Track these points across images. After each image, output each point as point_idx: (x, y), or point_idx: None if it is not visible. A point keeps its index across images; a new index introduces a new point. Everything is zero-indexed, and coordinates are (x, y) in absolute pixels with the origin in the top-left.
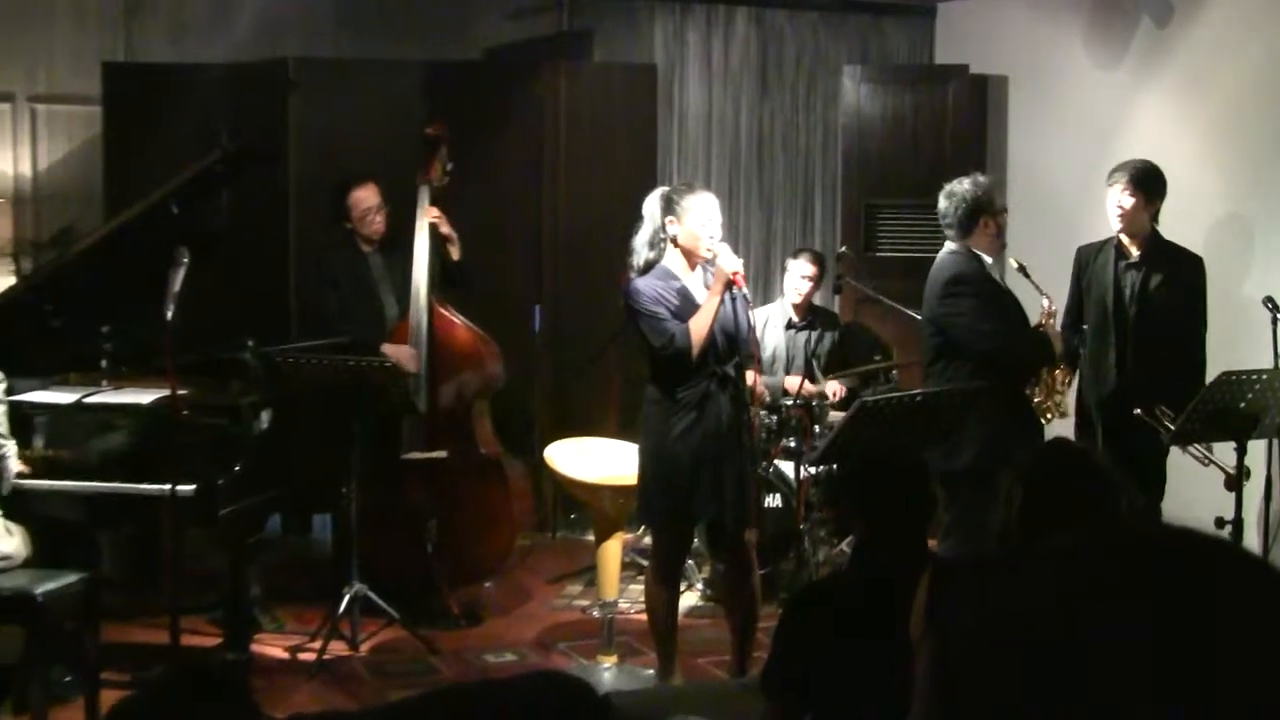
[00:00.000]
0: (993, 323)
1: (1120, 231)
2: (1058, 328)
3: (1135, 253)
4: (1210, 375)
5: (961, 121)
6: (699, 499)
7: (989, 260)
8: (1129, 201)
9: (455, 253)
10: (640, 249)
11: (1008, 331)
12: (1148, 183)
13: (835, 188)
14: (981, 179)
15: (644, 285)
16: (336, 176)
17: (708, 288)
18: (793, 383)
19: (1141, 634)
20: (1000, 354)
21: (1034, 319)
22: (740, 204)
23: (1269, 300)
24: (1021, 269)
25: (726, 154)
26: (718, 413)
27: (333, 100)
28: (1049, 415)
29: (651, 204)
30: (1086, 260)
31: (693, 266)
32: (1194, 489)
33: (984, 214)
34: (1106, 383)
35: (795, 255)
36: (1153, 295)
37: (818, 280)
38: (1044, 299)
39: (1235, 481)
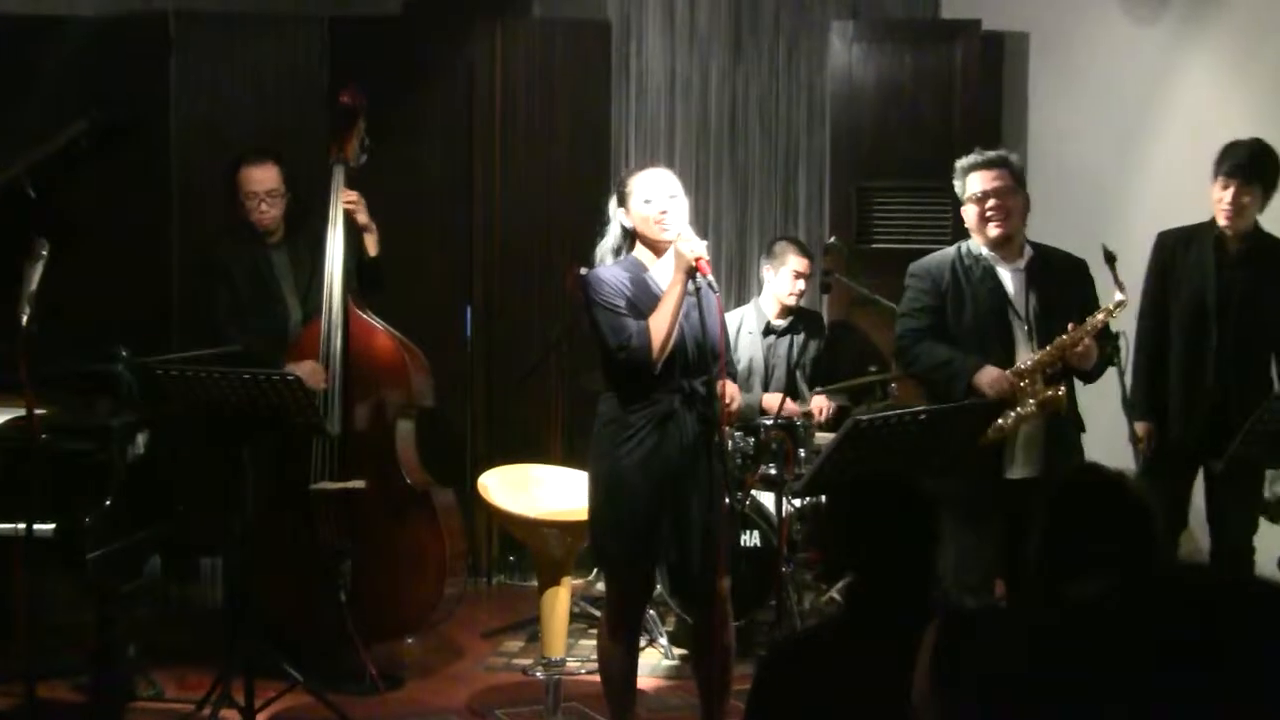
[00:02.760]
0: (911, 323)
1: (1226, 226)
2: (1113, 328)
3: (1236, 247)
4: None
5: (972, 88)
6: (661, 538)
7: (984, 251)
8: (1247, 198)
9: (372, 246)
10: (604, 258)
11: (920, 338)
12: (1268, 172)
13: (822, 168)
14: (961, 159)
15: (606, 274)
16: (230, 153)
17: None
18: (772, 399)
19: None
20: (898, 355)
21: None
22: (709, 188)
23: None
24: (1109, 258)
25: (693, 128)
26: (682, 434)
27: (221, 62)
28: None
29: (611, 203)
30: (1172, 250)
31: (659, 257)
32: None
33: (961, 201)
34: (1203, 393)
35: (773, 247)
36: (1259, 296)
37: (809, 277)
38: (1117, 293)
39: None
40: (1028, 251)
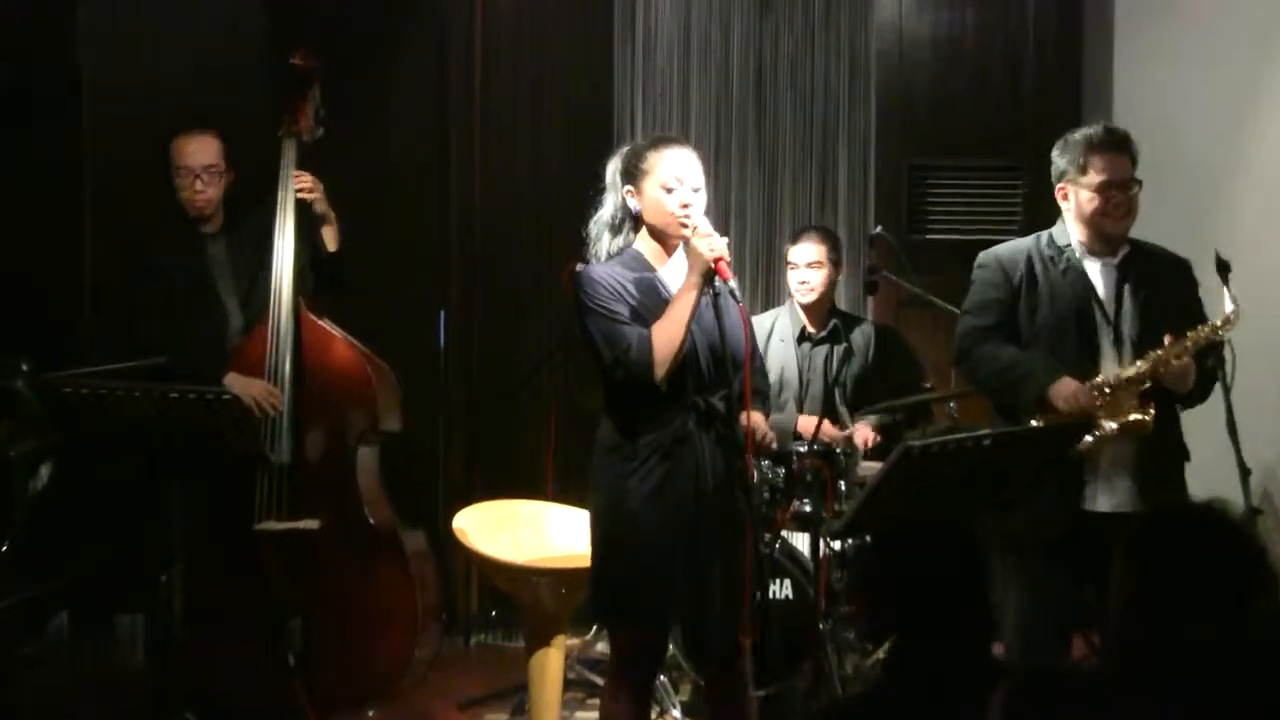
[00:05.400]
0: (974, 320)
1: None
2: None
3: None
4: None
5: (1048, 47)
6: (674, 587)
7: (1072, 239)
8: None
9: (331, 240)
10: (600, 234)
11: (983, 339)
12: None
13: (867, 142)
14: (1080, 132)
15: (602, 274)
16: (151, 124)
17: None
18: (808, 421)
19: None
20: (957, 360)
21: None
22: (731, 167)
23: None
24: (1222, 268)
25: (711, 96)
26: (698, 462)
27: (143, 19)
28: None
29: (611, 171)
30: None
31: (669, 252)
32: None
33: (1062, 179)
34: None
35: (795, 239)
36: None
37: (834, 265)
38: (1227, 303)
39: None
40: (1124, 247)
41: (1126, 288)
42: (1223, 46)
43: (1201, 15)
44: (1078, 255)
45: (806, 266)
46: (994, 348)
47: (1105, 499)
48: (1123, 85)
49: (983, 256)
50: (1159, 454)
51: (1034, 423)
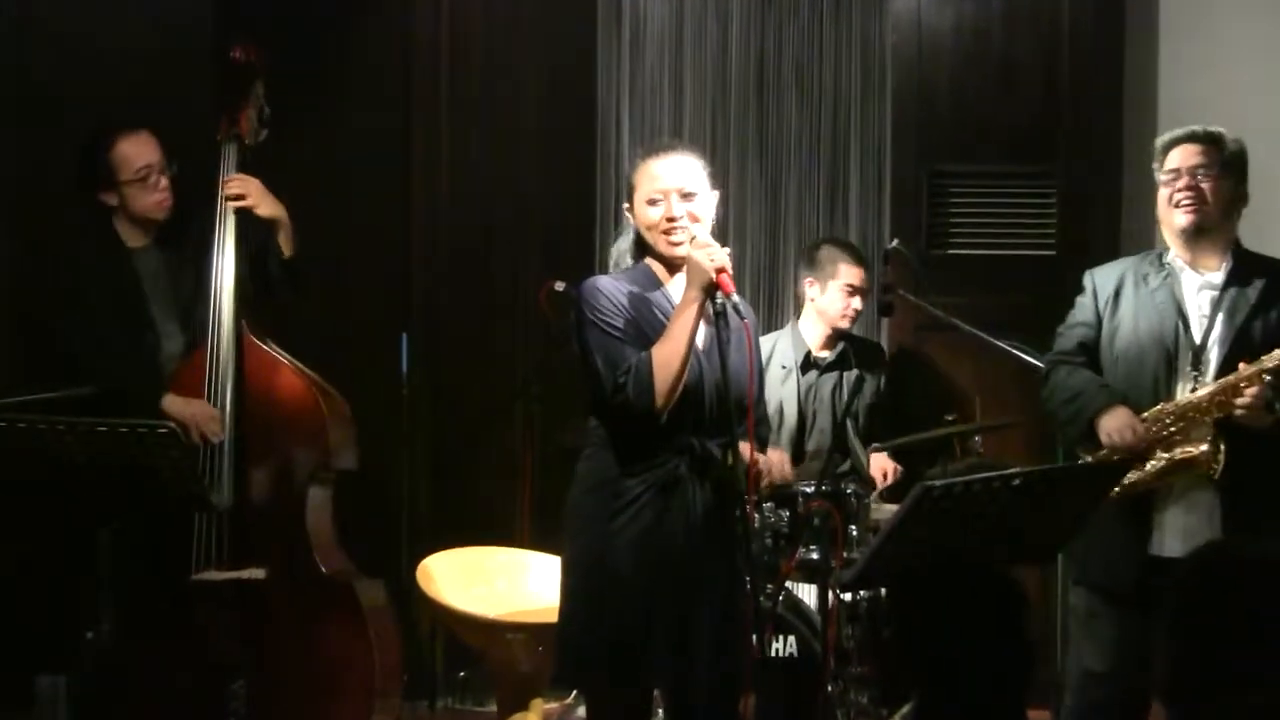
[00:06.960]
0: (1057, 345)
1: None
2: None
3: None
4: None
5: (1083, 38)
6: (658, 646)
7: (1172, 256)
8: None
9: (287, 244)
10: (619, 261)
11: (1059, 364)
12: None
13: (881, 148)
14: (1166, 134)
15: (607, 284)
16: (79, 126)
17: None
18: (774, 453)
19: None
20: (1043, 385)
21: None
22: (729, 174)
23: None
24: None
25: (707, 98)
26: (690, 510)
27: (72, 10)
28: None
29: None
30: None
31: (673, 272)
32: None
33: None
34: None
35: (817, 254)
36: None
37: (866, 293)
38: None
39: None
40: (1227, 258)
41: (1223, 306)
42: (1273, 42)
43: (1249, 6)
44: (1174, 269)
45: (852, 290)
46: (1067, 374)
47: (1175, 542)
48: (1167, 81)
49: (1084, 276)
50: (1252, 493)
51: (1087, 458)
